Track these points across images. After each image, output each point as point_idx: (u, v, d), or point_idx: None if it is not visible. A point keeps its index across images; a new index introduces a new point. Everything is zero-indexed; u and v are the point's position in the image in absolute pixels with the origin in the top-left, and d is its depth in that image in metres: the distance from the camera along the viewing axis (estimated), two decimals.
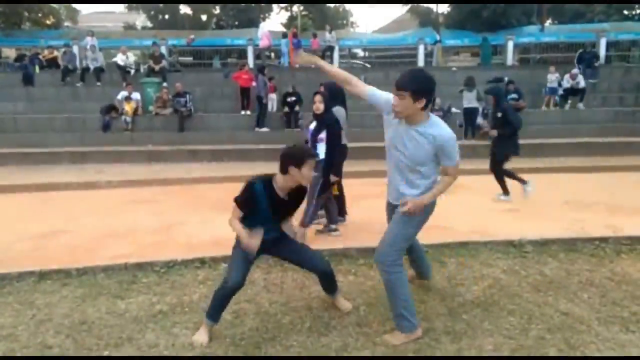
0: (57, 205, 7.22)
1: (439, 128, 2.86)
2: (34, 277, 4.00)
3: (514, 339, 2.96)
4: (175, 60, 17.76)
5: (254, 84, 13.36)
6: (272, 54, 20.21)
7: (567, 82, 14.29)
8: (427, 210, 3.06)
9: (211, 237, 5.33)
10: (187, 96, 13.22)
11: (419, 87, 2.76)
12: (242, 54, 21.94)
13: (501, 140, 7.03)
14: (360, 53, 27.74)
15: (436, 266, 4.18)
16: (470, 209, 6.49)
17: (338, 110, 5.27)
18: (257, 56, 19.50)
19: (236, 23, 32.68)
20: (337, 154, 4.96)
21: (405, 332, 2.96)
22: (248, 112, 13.63)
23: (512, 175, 7.14)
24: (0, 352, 2.84)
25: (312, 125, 5.09)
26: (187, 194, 7.64)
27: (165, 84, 14.25)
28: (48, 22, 26.98)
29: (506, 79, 14.35)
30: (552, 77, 14.45)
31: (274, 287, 3.81)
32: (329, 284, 3.38)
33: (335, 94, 5.32)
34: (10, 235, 5.49)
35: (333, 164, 4.91)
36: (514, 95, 13.35)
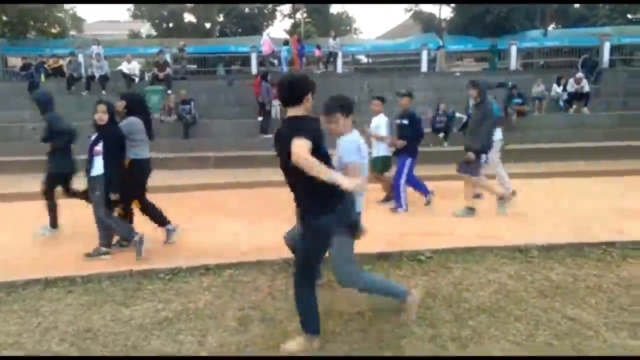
0: (62, 212, 7.22)
1: None
2: (40, 284, 4.01)
3: (521, 345, 2.94)
4: (184, 67, 17.95)
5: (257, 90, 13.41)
6: (276, 61, 20.27)
7: (571, 87, 14.26)
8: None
9: (216, 243, 5.34)
10: (192, 103, 13.28)
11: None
12: (245, 61, 22.04)
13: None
14: (364, 59, 27.80)
15: (442, 272, 4.17)
16: (476, 214, 6.46)
17: (130, 123, 5.02)
18: (260, 63, 19.59)
19: (239, 30, 32.83)
20: (112, 169, 4.77)
21: None
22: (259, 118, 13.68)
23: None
24: None
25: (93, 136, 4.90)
26: (191, 201, 7.64)
27: (169, 92, 14.32)
28: (53, 31, 27.14)
29: (510, 83, 14.35)
30: (538, 89, 14.48)
31: (279, 294, 3.80)
32: None
33: (134, 104, 5.17)
34: (17, 242, 5.51)
35: (110, 180, 4.75)
36: (518, 100, 13.34)
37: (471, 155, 6.20)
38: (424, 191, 7.04)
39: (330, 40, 19.18)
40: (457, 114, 12.51)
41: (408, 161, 6.72)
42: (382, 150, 6.90)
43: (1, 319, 3.41)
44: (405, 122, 6.79)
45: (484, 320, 3.27)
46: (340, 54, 19.57)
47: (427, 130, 12.80)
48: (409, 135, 6.74)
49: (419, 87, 15.93)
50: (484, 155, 6.36)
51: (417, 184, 7.06)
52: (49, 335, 3.15)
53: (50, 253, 5.15)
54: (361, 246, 4.82)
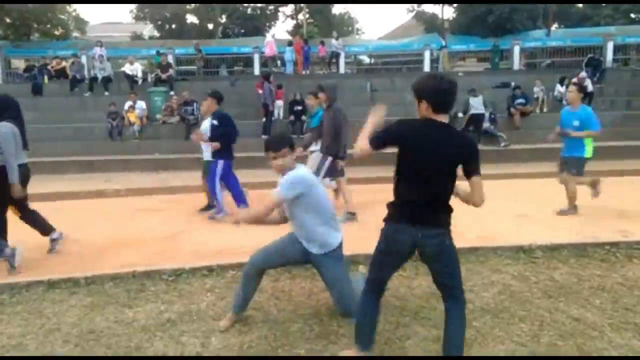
0: (65, 214, 7.24)
1: None
2: (43, 286, 4.01)
3: (526, 346, 2.92)
4: (200, 67, 18.25)
5: (260, 91, 13.41)
6: (279, 62, 20.30)
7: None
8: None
9: (218, 244, 5.34)
10: (194, 104, 13.28)
11: None
12: (248, 62, 22.05)
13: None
14: (366, 59, 27.78)
15: None
16: (478, 214, 6.41)
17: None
18: (263, 64, 19.60)
19: (242, 31, 32.87)
20: None
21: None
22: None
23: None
24: None
25: None
26: (193, 202, 7.64)
27: (172, 93, 14.34)
28: (57, 33, 27.24)
29: (513, 83, 14.33)
30: (537, 89, 14.44)
31: (282, 295, 3.79)
32: None
33: (4, 107, 4.70)
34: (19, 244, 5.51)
35: None
36: (521, 100, 13.31)
37: (341, 162, 6.09)
38: (238, 201, 6.41)
39: (333, 41, 19.19)
40: (460, 114, 12.49)
41: (220, 164, 6.29)
42: (207, 154, 6.66)
43: (4, 320, 3.42)
44: (215, 122, 6.36)
45: (488, 321, 3.26)
46: (342, 55, 19.57)
47: None
48: (220, 137, 6.28)
49: None
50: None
51: (234, 190, 6.47)
52: (52, 337, 3.15)
53: (51, 254, 5.14)
54: (361, 247, 4.84)
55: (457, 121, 12.99)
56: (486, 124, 12.47)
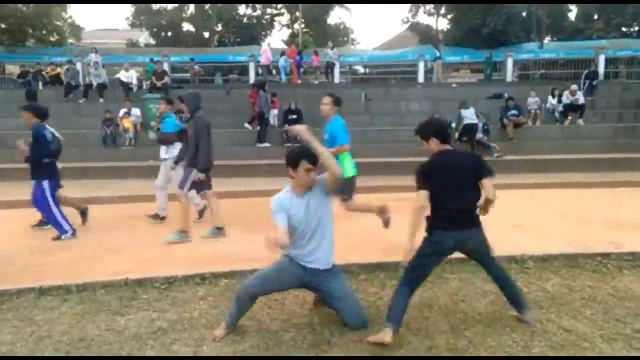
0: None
1: None
2: (34, 293, 3.99)
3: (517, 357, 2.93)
4: (194, 81, 18.47)
5: (252, 100, 13.46)
6: (274, 71, 20.39)
7: (566, 98, 14.38)
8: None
9: (211, 252, 5.33)
10: None
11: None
12: (243, 70, 22.14)
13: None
14: (361, 69, 27.95)
15: (438, 282, 4.17)
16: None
17: None
18: (258, 72, 19.69)
19: (238, 40, 33.00)
20: None
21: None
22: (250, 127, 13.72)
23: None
24: None
25: None
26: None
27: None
28: (52, 39, 27.25)
29: (506, 95, 14.46)
30: (532, 100, 14.61)
31: (275, 304, 3.78)
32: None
33: None
34: (11, 250, 5.48)
35: None
36: (514, 112, 13.43)
37: (201, 175, 5.81)
38: (56, 226, 6.04)
39: (329, 51, 19.31)
40: (454, 124, 12.58)
41: (45, 184, 5.98)
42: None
43: None
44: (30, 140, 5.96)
45: (480, 331, 3.27)
46: (337, 64, 19.68)
47: None
48: (34, 155, 5.92)
49: (415, 97, 16.05)
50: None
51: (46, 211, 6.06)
52: (43, 344, 3.12)
53: (43, 260, 5.11)
54: (359, 256, 4.86)
55: (451, 131, 13.10)
56: (479, 135, 12.57)
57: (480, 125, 12.58)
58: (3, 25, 24.17)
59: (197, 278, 4.28)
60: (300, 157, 3.23)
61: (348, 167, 5.45)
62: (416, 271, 3.28)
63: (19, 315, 3.60)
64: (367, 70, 27.58)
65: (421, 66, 19.90)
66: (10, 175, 10.75)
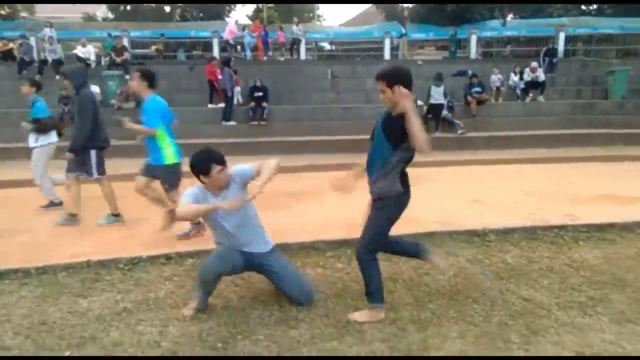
0: (13, 202, 6.96)
1: None
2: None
3: (478, 326, 3.04)
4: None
5: (220, 77, 13.18)
6: (239, 47, 19.97)
7: (527, 76, 14.68)
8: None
9: (176, 232, 5.25)
10: None
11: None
12: (206, 46, 21.59)
13: None
14: (327, 46, 27.71)
15: (403, 257, 4.24)
16: (435, 200, 6.59)
17: None
18: (223, 49, 19.24)
19: (201, 15, 32.09)
20: None
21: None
22: (217, 105, 13.45)
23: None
24: None
25: None
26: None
27: (127, 77, 13.89)
28: (2, 12, 25.86)
29: (470, 72, 14.64)
30: (495, 77, 14.86)
31: (242, 282, 3.78)
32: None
33: None
34: None
35: None
36: (478, 89, 13.64)
37: (68, 154, 5.49)
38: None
39: (294, 27, 19.04)
40: (419, 102, 12.67)
41: None
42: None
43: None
44: None
45: (443, 303, 3.36)
46: (303, 41, 19.45)
47: None
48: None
49: None
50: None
51: None
52: (2, 329, 3.03)
53: (6, 244, 4.94)
54: (323, 233, 4.89)
55: (417, 108, 13.21)
56: (444, 112, 12.72)
57: (445, 102, 12.72)
58: None
59: (162, 258, 4.23)
60: (209, 162, 3.19)
61: (168, 154, 4.92)
62: (385, 236, 3.26)
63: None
64: (334, 47, 27.38)
65: (387, 43, 19.88)
66: None
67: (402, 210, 3.20)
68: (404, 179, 3.17)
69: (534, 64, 14.74)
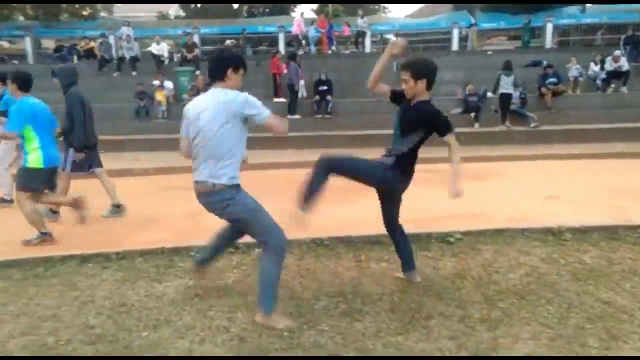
0: (95, 191, 7.42)
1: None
2: (76, 260, 4.14)
3: (552, 328, 2.89)
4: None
5: (285, 71, 13.38)
6: (304, 41, 20.13)
7: (609, 65, 13.74)
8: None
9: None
10: None
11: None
12: (273, 41, 21.94)
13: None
14: (393, 38, 27.31)
15: (471, 253, 4.13)
16: (506, 195, 6.34)
17: None
18: (288, 43, 19.48)
19: (267, 10, 32.65)
20: None
21: None
22: (281, 100, 13.67)
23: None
24: (45, 331, 2.95)
25: None
26: None
27: (198, 72, 14.42)
28: (85, 13, 27.60)
29: (544, 62, 13.92)
30: (572, 67, 13.96)
31: (306, 273, 3.83)
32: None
33: None
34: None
35: None
36: (553, 80, 12.94)
37: (78, 155, 5.58)
38: None
39: (359, 20, 18.91)
40: (489, 93, 12.23)
41: None
42: None
43: (41, 292, 3.55)
44: None
45: (515, 303, 3.23)
46: (368, 33, 19.28)
47: (457, 110, 12.64)
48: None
49: (449, 66, 15.60)
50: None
51: None
52: (86, 309, 3.25)
53: (83, 229, 5.29)
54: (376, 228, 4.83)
55: (486, 100, 12.75)
56: (515, 104, 12.18)
57: (517, 94, 12.18)
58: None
59: (230, 247, 4.35)
60: (243, 61, 3.05)
61: (31, 158, 4.70)
62: (354, 164, 3.33)
63: (62, 281, 3.75)
64: (399, 40, 26.92)
65: (455, 33, 19.30)
66: None
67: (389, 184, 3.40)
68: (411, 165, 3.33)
69: (617, 52, 13.77)
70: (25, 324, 3.05)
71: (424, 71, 3.16)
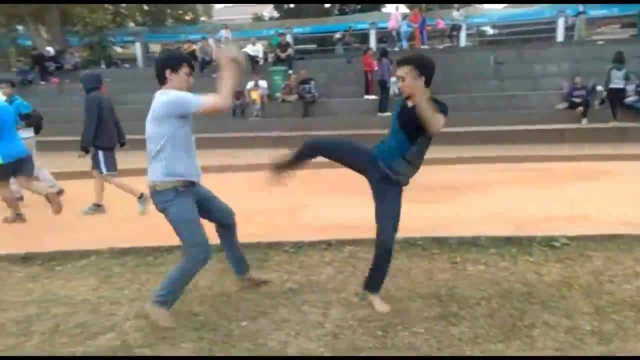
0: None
1: None
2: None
3: None
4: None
5: (376, 68, 13.29)
6: (396, 37, 19.86)
7: None
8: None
9: (335, 219, 5.45)
10: (311, 82, 13.58)
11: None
12: (364, 38, 21.88)
13: None
14: (490, 30, 26.10)
15: (580, 260, 3.83)
16: (619, 198, 5.81)
17: None
18: (379, 40, 19.33)
19: (359, 7, 32.64)
20: None
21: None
22: (372, 97, 13.61)
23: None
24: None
25: None
26: (310, 178, 7.86)
27: (291, 71, 14.78)
28: (187, 18, 29.43)
29: None
30: None
31: (399, 273, 3.77)
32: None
33: None
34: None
35: None
36: None
37: (81, 153, 5.99)
38: None
39: (454, 12, 18.28)
40: (599, 87, 11.27)
41: None
42: None
43: (151, 279, 3.83)
44: None
45: (631, 316, 2.95)
46: (464, 27, 18.58)
47: (562, 105, 11.79)
48: None
49: (553, 58, 14.59)
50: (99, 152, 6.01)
51: None
52: (191, 296, 3.46)
53: None
54: (486, 228, 4.63)
55: (596, 94, 11.77)
56: (630, 98, 11.10)
57: (633, 87, 11.09)
58: (146, 7, 26.63)
59: (323, 244, 4.41)
60: (180, 59, 3.10)
61: None
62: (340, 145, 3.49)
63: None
64: (496, 31, 25.65)
65: (560, 23, 17.99)
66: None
67: None
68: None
69: None
70: (139, 308, 3.31)
71: (422, 68, 2.96)
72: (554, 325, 2.89)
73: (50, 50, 18.27)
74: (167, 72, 3.01)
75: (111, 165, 6.10)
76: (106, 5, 23.75)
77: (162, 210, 3.07)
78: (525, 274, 3.65)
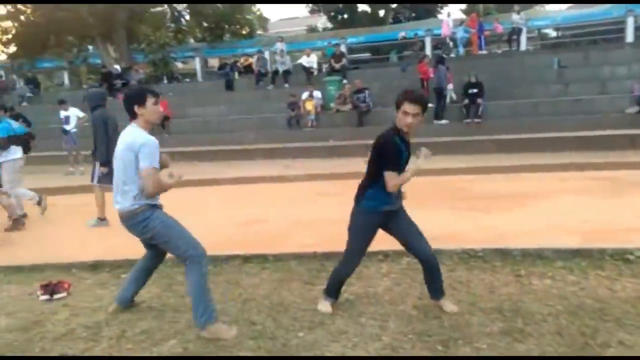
0: (253, 196, 8.03)
1: None
2: (239, 260, 4.50)
3: None
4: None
5: (432, 75, 13.10)
6: (451, 43, 19.51)
7: None
8: None
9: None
10: (366, 92, 13.56)
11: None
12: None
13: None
14: (552, 33, 25.08)
15: None
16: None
17: None
18: (434, 47, 19.05)
19: (413, 15, 32.38)
20: None
21: None
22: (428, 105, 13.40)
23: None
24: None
25: None
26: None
27: (345, 81, 14.83)
28: (244, 32, 30.26)
29: None
30: None
31: (459, 286, 3.66)
32: (435, 278, 3.29)
33: None
34: (218, 221, 6.28)
35: None
36: None
37: (102, 168, 6.11)
38: None
39: (514, 16, 17.70)
40: None
41: None
42: None
43: (212, 288, 3.89)
44: None
45: None
46: (524, 30, 17.95)
47: (633, 109, 11.10)
48: None
49: (623, 60, 13.81)
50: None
51: None
52: (249, 306, 3.51)
53: (243, 231, 5.74)
54: (551, 239, 4.41)
55: None
56: None
57: None
58: (205, 24, 27.63)
59: (380, 255, 4.35)
60: (144, 92, 3.14)
61: None
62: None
63: (228, 279, 4.10)
64: (559, 34, 24.62)
65: (630, 23, 17.02)
66: (214, 156, 12.30)
67: None
68: None
69: None
70: None
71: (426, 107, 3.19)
72: (631, 345, 2.70)
73: (117, 67, 19.32)
74: (136, 108, 3.12)
75: (104, 178, 6.17)
76: (168, 23, 24.87)
77: (144, 228, 3.14)
78: (597, 289, 3.44)
